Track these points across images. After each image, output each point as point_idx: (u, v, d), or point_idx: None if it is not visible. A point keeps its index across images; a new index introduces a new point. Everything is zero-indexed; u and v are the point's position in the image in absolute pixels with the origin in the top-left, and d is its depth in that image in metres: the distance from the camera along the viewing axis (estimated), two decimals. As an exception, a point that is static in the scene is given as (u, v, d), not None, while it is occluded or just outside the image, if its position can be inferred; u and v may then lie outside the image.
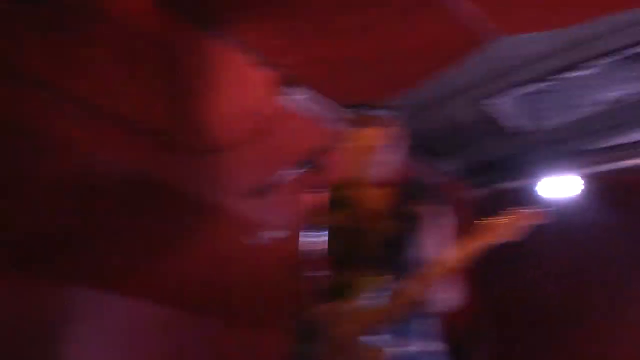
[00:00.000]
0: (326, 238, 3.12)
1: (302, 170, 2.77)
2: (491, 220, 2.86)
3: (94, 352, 4.15)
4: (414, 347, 2.96)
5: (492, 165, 6.11)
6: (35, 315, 3.87)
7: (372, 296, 2.93)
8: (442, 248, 3.16)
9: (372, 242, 3.06)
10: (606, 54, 4.83)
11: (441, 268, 2.86)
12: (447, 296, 2.88)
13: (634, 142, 5.66)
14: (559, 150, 5.68)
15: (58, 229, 3.79)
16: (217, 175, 4.28)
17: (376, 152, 3.15)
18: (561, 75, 5.02)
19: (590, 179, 5.69)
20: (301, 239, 2.90)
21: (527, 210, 2.82)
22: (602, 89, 5.17)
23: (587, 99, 5.27)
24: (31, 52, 3.45)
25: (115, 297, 4.26)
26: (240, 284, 4.63)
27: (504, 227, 2.83)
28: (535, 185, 5.77)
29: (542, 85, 5.13)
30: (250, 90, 4.50)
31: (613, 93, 5.16)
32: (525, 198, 5.85)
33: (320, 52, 4.34)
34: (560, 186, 5.62)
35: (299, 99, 4.65)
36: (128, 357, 4.37)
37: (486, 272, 5.97)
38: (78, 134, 3.62)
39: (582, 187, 5.64)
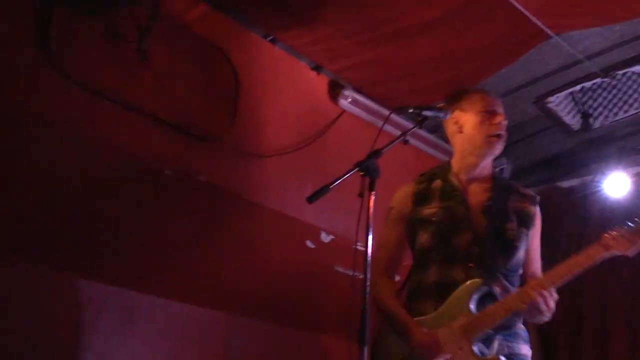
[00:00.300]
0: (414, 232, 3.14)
1: (359, 173, 2.76)
2: (617, 233, 2.83)
3: (143, 356, 4.14)
4: (524, 350, 2.98)
5: (550, 163, 6.03)
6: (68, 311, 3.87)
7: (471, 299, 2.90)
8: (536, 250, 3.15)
9: (470, 239, 3.03)
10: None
11: (559, 276, 2.84)
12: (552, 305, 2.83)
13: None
14: (614, 147, 5.56)
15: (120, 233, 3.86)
16: (273, 179, 4.32)
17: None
18: (617, 72, 4.95)
19: None
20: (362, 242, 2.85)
21: None
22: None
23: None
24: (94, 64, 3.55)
25: (169, 301, 4.27)
26: (297, 288, 4.65)
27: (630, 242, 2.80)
28: (597, 182, 5.66)
29: (598, 81, 5.05)
30: (305, 95, 4.53)
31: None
32: (587, 195, 5.79)
33: (374, 55, 4.32)
34: (619, 183, 5.50)
35: (353, 102, 4.64)
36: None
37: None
38: (133, 137, 3.70)
39: (631, 185, 5.50)
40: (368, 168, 2.71)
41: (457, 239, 3.01)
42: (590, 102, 5.39)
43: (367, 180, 2.71)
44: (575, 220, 5.85)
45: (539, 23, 4.02)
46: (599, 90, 5.30)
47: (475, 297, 2.90)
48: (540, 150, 5.89)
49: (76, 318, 3.83)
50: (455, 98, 3.27)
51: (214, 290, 4.37)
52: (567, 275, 2.83)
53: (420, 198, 3.17)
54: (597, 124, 5.40)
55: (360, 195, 2.69)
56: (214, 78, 4.08)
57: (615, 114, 5.32)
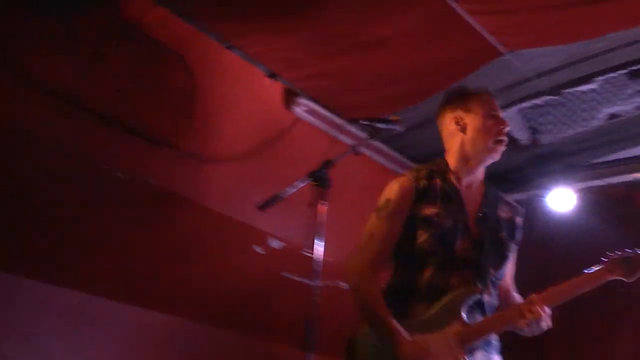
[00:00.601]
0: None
1: (311, 182, 2.78)
2: (620, 259, 2.83)
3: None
4: None
5: (499, 176, 6.12)
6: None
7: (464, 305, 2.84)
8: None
9: (469, 246, 2.96)
10: (609, 70, 4.89)
11: (561, 295, 2.81)
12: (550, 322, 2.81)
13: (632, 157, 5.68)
14: (561, 163, 5.69)
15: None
16: (224, 184, 4.32)
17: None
18: (566, 90, 5.08)
19: (587, 193, 5.72)
20: (317, 248, 2.80)
21: None
22: (603, 105, 5.20)
23: (588, 114, 5.30)
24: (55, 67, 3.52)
25: (116, 303, 4.17)
26: (245, 293, 4.62)
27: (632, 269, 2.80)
28: (543, 197, 5.77)
29: (548, 98, 5.17)
30: (260, 101, 4.54)
31: (611, 109, 5.19)
32: (533, 209, 5.88)
33: (331, 66, 4.36)
34: (564, 199, 5.62)
35: (308, 110, 4.67)
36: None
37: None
38: (85, 138, 3.69)
39: (577, 200, 5.64)
40: (320, 178, 2.73)
41: (457, 244, 2.92)
42: (539, 118, 5.50)
43: (319, 189, 2.73)
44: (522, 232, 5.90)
45: (492, 41, 4.10)
46: (548, 108, 5.42)
47: (468, 304, 2.84)
48: (490, 164, 5.97)
49: (19, 319, 3.75)
50: (458, 96, 3.16)
51: (160, 293, 4.31)
52: (570, 295, 2.81)
53: (422, 195, 2.98)
54: (545, 140, 5.52)
55: (312, 204, 2.71)
56: (170, 82, 4.08)
57: (563, 131, 5.44)
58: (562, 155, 5.70)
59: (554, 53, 4.59)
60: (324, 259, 2.76)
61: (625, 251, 2.83)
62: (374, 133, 3.07)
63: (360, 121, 3.20)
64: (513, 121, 5.41)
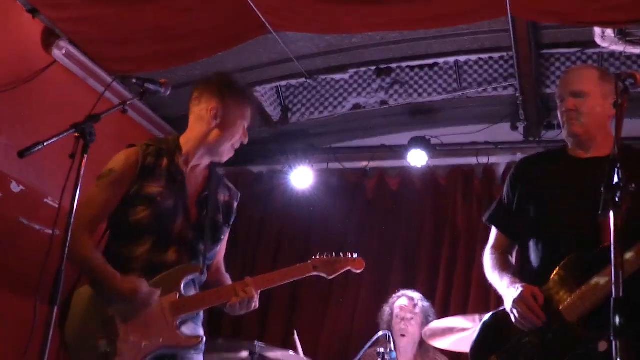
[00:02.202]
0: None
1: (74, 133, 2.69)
2: (324, 259, 3.22)
3: None
4: (201, 332, 3.11)
5: (244, 146, 6.24)
6: None
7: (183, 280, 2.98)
8: None
9: (186, 225, 3.06)
10: (361, 64, 5.24)
11: (271, 282, 3.12)
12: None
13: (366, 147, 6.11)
14: (304, 142, 5.95)
15: None
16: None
17: None
18: (321, 76, 5.35)
19: (324, 173, 5.99)
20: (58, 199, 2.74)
21: None
22: (351, 94, 5.57)
23: (336, 101, 5.64)
24: None
25: None
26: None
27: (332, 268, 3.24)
28: (285, 173, 5.94)
29: (303, 81, 5.42)
30: (16, 37, 4.24)
31: (357, 100, 5.57)
32: (274, 182, 6.10)
33: (97, 13, 4.16)
34: (303, 176, 5.86)
35: (67, 55, 4.45)
36: None
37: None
38: None
39: (315, 179, 5.87)
40: (84, 131, 2.66)
41: (175, 224, 3.01)
42: (291, 98, 5.76)
43: (82, 142, 2.65)
44: (260, 204, 6.10)
45: (263, 18, 4.20)
46: (302, 90, 5.69)
47: (187, 279, 2.98)
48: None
49: None
50: (228, 89, 3.15)
51: None
52: (279, 283, 3.13)
53: (147, 172, 3.02)
54: (294, 119, 5.77)
55: (72, 156, 2.62)
56: None
57: (312, 113, 5.73)
58: (306, 135, 5.97)
59: (315, 40, 4.82)
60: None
61: (329, 255, 3.22)
62: (142, 93, 3.02)
63: (130, 80, 3.12)
64: (267, 96, 5.60)
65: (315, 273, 3.17)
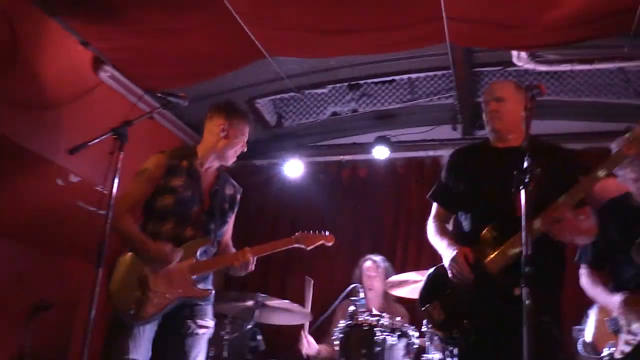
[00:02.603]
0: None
1: (112, 135, 2.70)
2: (305, 234, 3.28)
3: None
4: (210, 286, 3.19)
5: (249, 145, 6.21)
6: None
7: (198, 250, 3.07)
8: None
9: (201, 210, 3.15)
10: (336, 81, 5.22)
11: (263, 251, 3.16)
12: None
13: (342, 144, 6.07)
14: (295, 142, 5.89)
15: None
16: (40, 129, 3.97)
17: None
18: (306, 90, 5.33)
19: (311, 165, 5.93)
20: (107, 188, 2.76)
21: None
22: (329, 104, 5.54)
23: (318, 109, 5.60)
24: None
25: None
26: (56, 220, 4.33)
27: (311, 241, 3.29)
28: (280, 166, 5.88)
29: (293, 94, 5.39)
30: (72, 64, 4.20)
31: (334, 109, 5.54)
32: (271, 173, 6.05)
33: (133, 43, 4.16)
34: (295, 168, 5.82)
35: (112, 77, 4.42)
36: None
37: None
38: None
39: (304, 170, 5.82)
40: (120, 133, 2.68)
41: (193, 210, 3.10)
42: (285, 108, 5.72)
43: (118, 143, 2.67)
44: (260, 190, 6.03)
45: (260, 47, 4.19)
46: (292, 101, 5.66)
47: (201, 249, 3.07)
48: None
49: None
50: (231, 110, 3.27)
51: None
52: (270, 251, 3.17)
53: (172, 170, 3.13)
54: (287, 124, 5.75)
55: (111, 153, 2.65)
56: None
57: (300, 119, 5.70)
58: (296, 136, 5.91)
59: (301, 62, 4.80)
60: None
61: (308, 232, 3.28)
62: (167, 104, 3.04)
63: (158, 93, 3.12)
64: (265, 106, 5.58)
65: (296, 245, 3.22)
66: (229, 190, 3.31)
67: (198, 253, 3.05)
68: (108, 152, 2.64)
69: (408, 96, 5.35)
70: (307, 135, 5.98)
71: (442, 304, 2.80)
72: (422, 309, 2.89)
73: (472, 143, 3.26)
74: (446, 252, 2.79)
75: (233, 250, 3.28)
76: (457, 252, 2.71)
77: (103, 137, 2.66)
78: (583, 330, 3.40)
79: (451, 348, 2.97)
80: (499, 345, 2.59)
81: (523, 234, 2.23)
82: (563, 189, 2.60)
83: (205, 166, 3.23)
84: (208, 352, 3.21)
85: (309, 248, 3.24)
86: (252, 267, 3.06)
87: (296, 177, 5.86)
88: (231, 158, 3.28)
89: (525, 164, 2.29)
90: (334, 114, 5.58)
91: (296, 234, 3.24)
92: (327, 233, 3.31)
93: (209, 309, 3.11)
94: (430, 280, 2.96)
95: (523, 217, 2.24)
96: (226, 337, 4.14)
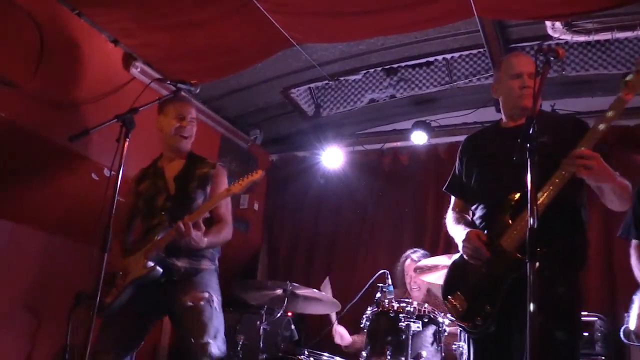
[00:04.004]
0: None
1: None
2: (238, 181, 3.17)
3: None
4: (204, 265, 3.37)
5: (290, 137, 6.23)
6: None
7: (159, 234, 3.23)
8: None
9: (165, 198, 3.36)
10: (370, 66, 5.10)
11: (204, 210, 3.22)
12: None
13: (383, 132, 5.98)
14: (334, 131, 5.82)
15: None
16: (70, 124, 4.06)
17: None
18: (340, 77, 5.24)
19: (351, 154, 5.89)
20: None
21: None
22: (366, 91, 5.42)
23: (355, 97, 5.50)
24: None
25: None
26: (87, 211, 4.43)
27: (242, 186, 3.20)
28: (320, 155, 5.84)
29: (327, 82, 5.31)
30: (103, 62, 4.28)
31: (372, 95, 5.41)
32: (313, 162, 6.03)
33: (160, 39, 4.18)
34: (335, 157, 5.77)
35: (143, 72, 4.49)
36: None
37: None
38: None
39: (344, 159, 5.79)
40: (125, 120, 2.69)
41: (156, 200, 3.32)
42: (322, 97, 5.66)
43: (124, 129, 2.69)
44: (303, 179, 6.07)
45: (286, 34, 4.13)
46: (328, 90, 5.59)
47: (162, 232, 3.20)
48: (284, 127, 6.08)
49: None
50: (159, 106, 3.40)
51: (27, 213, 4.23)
52: (203, 213, 3.16)
53: (141, 179, 3.46)
54: (324, 113, 5.68)
55: (118, 140, 2.67)
56: (19, 37, 3.72)
57: (337, 108, 5.62)
58: (335, 125, 5.85)
59: (330, 48, 4.72)
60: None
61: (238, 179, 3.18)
62: (176, 92, 3.06)
63: (167, 82, 3.15)
64: (302, 96, 5.54)
65: (230, 193, 3.16)
66: (200, 170, 3.40)
67: (159, 237, 3.17)
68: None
69: (446, 79, 5.16)
70: (346, 124, 5.90)
71: (463, 292, 2.68)
72: (445, 301, 2.78)
73: (484, 127, 3.12)
74: (460, 236, 2.67)
75: (219, 224, 3.34)
76: (469, 232, 2.59)
77: (105, 124, 2.68)
78: (628, 316, 3.18)
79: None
80: (519, 329, 2.43)
81: (529, 206, 2.08)
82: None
83: (168, 158, 3.46)
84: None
85: (240, 192, 3.16)
86: (188, 232, 3.04)
87: (337, 167, 5.81)
88: (180, 141, 3.38)
89: (531, 131, 2.14)
90: (372, 100, 5.47)
91: (234, 182, 3.18)
92: (256, 170, 3.22)
93: (198, 283, 3.20)
94: (454, 268, 2.84)
95: (529, 189, 2.09)
96: (262, 327, 4.11)
